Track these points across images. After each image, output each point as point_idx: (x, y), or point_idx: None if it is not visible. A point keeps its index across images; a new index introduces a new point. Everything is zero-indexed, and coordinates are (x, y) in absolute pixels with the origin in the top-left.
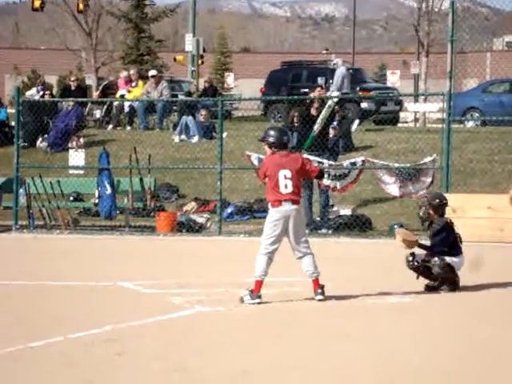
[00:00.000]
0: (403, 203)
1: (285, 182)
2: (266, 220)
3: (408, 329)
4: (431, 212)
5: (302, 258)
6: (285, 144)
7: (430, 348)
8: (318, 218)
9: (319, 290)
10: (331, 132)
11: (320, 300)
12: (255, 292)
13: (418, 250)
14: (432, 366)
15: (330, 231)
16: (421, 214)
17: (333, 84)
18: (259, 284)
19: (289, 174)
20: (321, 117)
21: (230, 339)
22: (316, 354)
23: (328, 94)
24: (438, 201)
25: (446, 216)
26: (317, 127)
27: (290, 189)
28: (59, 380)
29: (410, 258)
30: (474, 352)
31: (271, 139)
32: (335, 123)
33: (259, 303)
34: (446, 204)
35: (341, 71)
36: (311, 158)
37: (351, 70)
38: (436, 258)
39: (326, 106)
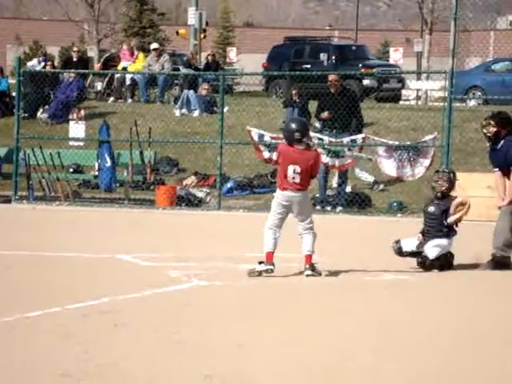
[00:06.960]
0: (402, 181)
1: (293, 175)
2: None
3: (404, 305)
4: (446, 189)
5: (303, 235)
6: (297, 140)
7: (426, 324)
8: (330, 193)
9: (307, 266)
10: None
11: (308, 275)
12: (268, 261)
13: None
14: (428, 342)
15: (331, 207)
16: (443, 188)
17: None
18: (270, 255)
19: (298, 169)
20: None
21: (227, 313)
22: (313, 328)
23: None
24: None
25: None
26: None
27: (297, 181)
28: (55, 349)
29: (394, 245)
30: (469, 327)
31: (285, 133)
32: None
33: (271, 271)
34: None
35: None
36: (312, 134)
37: (354, 47)
38: (427, 252)
39: None
